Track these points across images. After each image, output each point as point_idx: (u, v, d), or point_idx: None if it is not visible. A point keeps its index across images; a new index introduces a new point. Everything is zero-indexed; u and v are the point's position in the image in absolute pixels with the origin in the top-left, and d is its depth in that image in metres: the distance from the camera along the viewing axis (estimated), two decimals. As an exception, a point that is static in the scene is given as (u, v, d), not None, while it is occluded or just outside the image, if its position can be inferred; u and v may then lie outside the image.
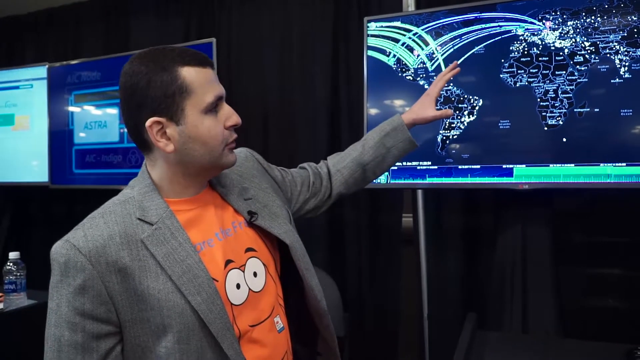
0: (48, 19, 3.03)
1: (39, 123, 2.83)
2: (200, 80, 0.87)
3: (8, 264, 1.94)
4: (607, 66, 1.63)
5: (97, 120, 2.66)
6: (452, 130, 1.84)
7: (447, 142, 1.85)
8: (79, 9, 2.92)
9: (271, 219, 1.01)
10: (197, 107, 0.87)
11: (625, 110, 1.62)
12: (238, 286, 0.92)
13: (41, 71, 2.81)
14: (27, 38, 3.11)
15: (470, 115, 1.82)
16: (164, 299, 0.83)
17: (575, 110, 1.68)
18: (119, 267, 0.83)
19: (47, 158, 2.78)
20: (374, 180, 1.94)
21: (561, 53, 1.69)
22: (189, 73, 0.86)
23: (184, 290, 0.84)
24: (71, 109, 2.74)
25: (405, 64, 1.91)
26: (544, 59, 1.71)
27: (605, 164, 1.64)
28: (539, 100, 1.72)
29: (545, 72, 1.71)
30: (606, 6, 1.63)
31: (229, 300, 0.90)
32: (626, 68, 1.61)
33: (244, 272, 0.94)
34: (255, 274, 0.96)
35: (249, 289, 0.94)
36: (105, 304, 0.82)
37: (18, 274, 1.95)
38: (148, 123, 0.86)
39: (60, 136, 2.77)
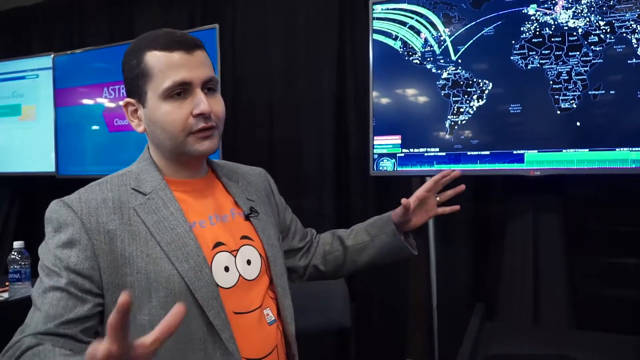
0: (53, 10, 3.02)
1: (45, 113, 2.83)
2: (161, 65, 0.87)
3: (12, 253, 1.95)
4: (623, 46, 1.56)
5: (102, 109, 2.65)
6: (461, 115, 1.78)
7: (456, 127, 1.79)
8: (84, -1, 2.91)
9: (264, 229, 1.01)
10: (155, 92, 0.88)
11: (643, 93, 1.55)
12: (227, 269, 0.90)
13: (46, 61, 2.80)
14: (33, 29, 3.11)
15: (480, 100, 1.76)
16: (152, 263, 0.84)
17: (589, 92, 1.61)
18: (107, 229, 0.84)
19: (54, 148, 2.78)
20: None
21: (575, 33, 1.62)
22: (152, 57, 0.87)
23: (171, 257, 0.85)
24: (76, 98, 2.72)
25: (412, 47, 1.85)
26: (556, 39, 1.64)
27: (621, 149, 1.58)
28: (551, 82, 1.65)
29: (558, 53, 1.64)
30: (622, -17, 1.56)
31: (215, 281, 0.88)
32: (644, 48, 1.54)
33: (235, 257, 0.92)
34: (249, 262, 0.94)
35: (240, 274, 0.92)
36: (89, 259, 0.82)
37: (22, 263, 1.96)
38: (122, 102, 0.94)
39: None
